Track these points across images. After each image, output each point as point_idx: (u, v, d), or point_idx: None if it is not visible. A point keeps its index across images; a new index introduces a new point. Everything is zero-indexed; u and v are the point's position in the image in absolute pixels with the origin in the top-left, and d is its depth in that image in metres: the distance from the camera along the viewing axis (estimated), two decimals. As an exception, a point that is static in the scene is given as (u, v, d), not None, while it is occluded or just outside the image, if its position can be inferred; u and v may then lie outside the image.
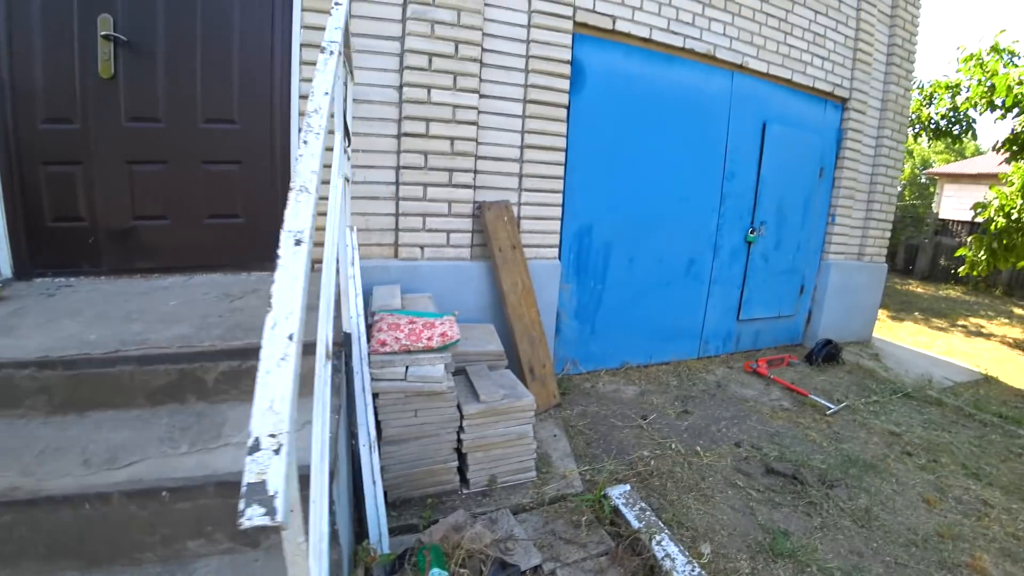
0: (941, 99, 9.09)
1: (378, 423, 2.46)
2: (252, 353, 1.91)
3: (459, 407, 2.58)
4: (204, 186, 2.97)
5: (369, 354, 2.44)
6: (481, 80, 3.34)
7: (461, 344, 2.89)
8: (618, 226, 3.97)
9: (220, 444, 1.81)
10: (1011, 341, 7.10)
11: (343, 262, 2.17)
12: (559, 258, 3.85)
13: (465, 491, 2.70)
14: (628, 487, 2.69)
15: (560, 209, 3.69)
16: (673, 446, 3.18)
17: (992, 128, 65.95)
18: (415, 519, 2.53)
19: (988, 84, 7.11)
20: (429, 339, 2.47)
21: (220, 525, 1.64)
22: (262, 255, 2.90)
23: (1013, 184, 6.65)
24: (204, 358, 2.01)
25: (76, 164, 2.78)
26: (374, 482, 2.21)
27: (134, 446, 1.76)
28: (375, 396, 2.40)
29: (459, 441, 2.63)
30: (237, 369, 2.04)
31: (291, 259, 1.03)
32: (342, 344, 2.20)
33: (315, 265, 1.78)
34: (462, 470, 2.71)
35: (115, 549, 1.57)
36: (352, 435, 2.25)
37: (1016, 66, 7.10)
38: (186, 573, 1.59)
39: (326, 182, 1.64)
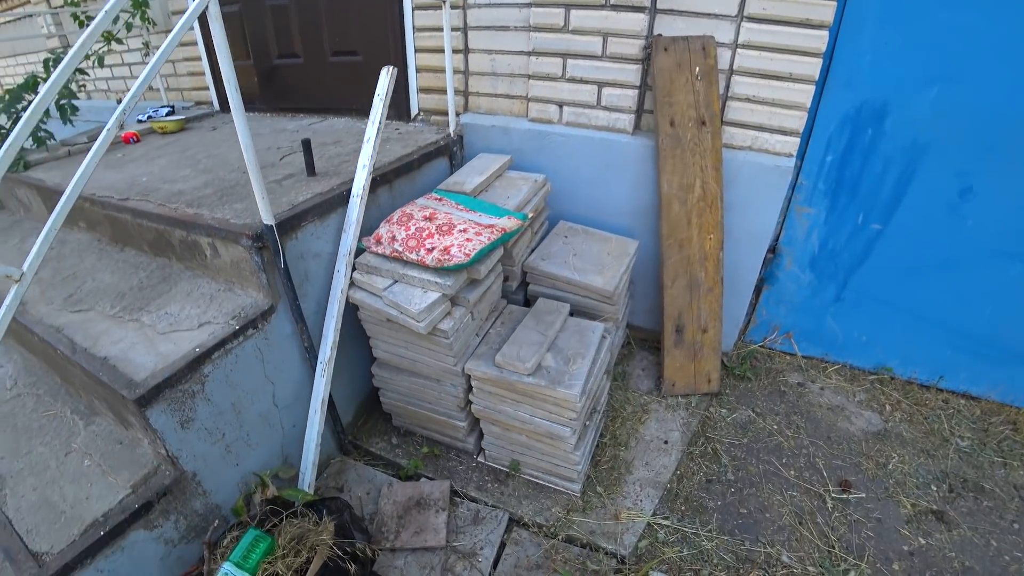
0: None
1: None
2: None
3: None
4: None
5: (364, 251, 1.81)
6: None
7: (551, 264, 1.95)
8: (947, 120, 1.86)
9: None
10: None
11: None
12: (798, 157, 2.13)
13: (480, 459, 2.01)
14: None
15: (819, 63, 1.89)
16: None
17: None
18: (404, 459, 2.04)
19: None
20: (442, 250, 1.64)
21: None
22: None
23: None
24: (174, 223, 1.75)
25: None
26: (316, 409, 1.75)
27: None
28: (357, 308, 1.82)
29: (468, 401, 1.88)
30: (194, 243, 1.74)
31: None
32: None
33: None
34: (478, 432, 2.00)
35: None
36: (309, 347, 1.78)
37: None
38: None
39: None
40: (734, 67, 2.00)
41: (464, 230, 1.72)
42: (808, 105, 1.97)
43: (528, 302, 2.21)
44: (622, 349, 2.53)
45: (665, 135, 2.08)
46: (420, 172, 2.22)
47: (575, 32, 2.10)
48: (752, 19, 1.91)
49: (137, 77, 3.52)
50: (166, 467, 1.48)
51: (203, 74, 3.03)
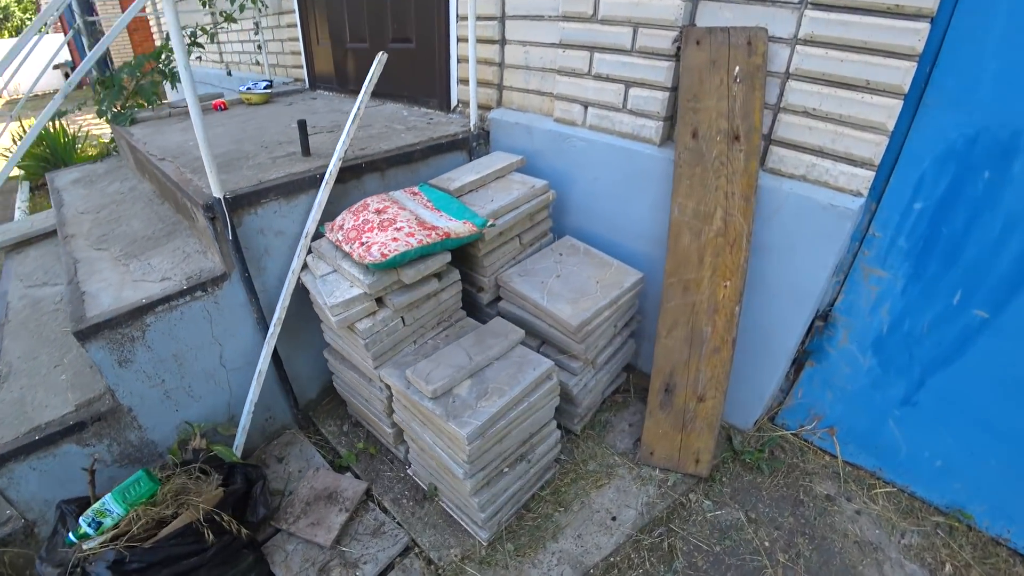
0: None
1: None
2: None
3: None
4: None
5: (323, 235, 1.82)
6: None
7: (524, 283, 1.78)
8: None
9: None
10: None
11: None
12: (872, 198, 1.55)
13: (409, 472, 1.92)
14: None
15: (912, 69, 1.33)
16: None
17: None
18: (344, 448, 2.05)
19: None
20: (366, 247, 1.58)
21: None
22: (429, 92, 2.63)
23: None
24: (175, 186, 1.95)
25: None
26: (255, 380, 1.84)
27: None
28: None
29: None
30: (185, 206, 1.93)
31: None
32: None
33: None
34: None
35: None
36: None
37: None
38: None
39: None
40: (791, 69, 1.52)
41: (399, 228, 1.62)
42: (892, 127, 1.42)
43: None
44: (615, 396, 2.18)
45: (684, 148, 1.68)
46: (425, 163, 2.15)
47: (604, 21, 1.81)
48: (819, 5, 1.42)
49: (246, 52, 3.96)
50: (108, 397, 1.69)
51: (300, 54, 3.35)
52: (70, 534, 1.43)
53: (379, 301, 1.68)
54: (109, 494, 1.49)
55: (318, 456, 2.02)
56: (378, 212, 1.71)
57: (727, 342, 1.72)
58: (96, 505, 1.47)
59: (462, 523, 1.75)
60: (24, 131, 4.23)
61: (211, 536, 1.49)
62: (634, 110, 1.85)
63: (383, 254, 1.54)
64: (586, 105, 1.98)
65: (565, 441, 2.01)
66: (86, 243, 1.99)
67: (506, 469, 1.67)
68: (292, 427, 2.15)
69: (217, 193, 1.63)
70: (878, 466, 1.79)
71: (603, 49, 1.85)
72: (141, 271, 1.79)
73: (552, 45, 2.02)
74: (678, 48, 1.66)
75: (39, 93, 10.61)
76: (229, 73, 4.24)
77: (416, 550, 1.71)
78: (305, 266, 1.81)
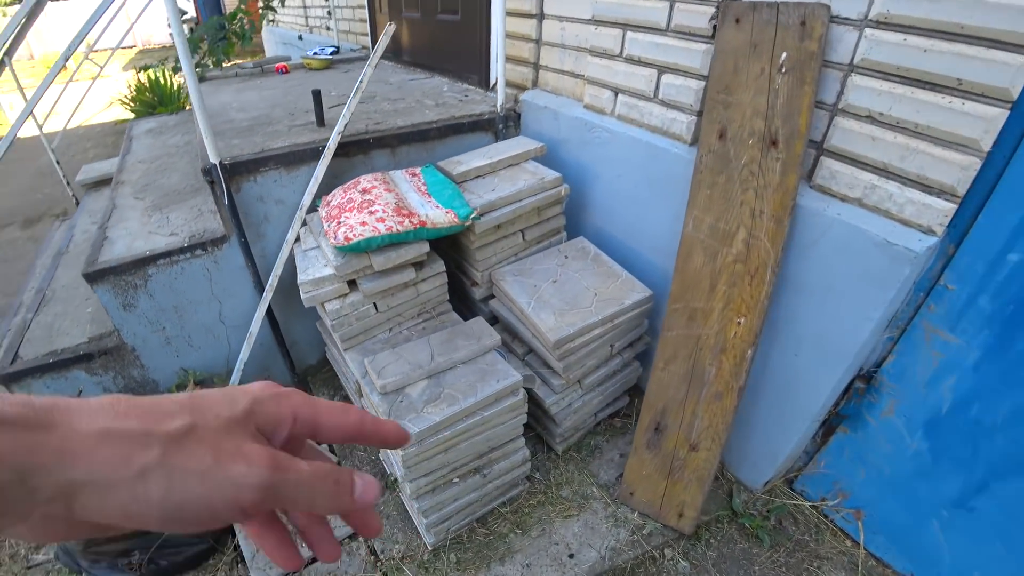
0: None
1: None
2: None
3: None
4: None
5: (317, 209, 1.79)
6: None
7: (515, 284, 1.66)
8: None
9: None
10: None
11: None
12: (950, 239, 1.17)
13: (380, 455, 1.89)
14: None
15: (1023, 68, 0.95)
16: None
17: None
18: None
19: None
20: (336, 227, 1.53)
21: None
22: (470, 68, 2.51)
23: None
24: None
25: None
26: (246, 340, 1.88)
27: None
28: (297, 258, 1.84)
29: (360, 390, 1.75)
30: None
31: None
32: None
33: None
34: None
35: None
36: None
37: None
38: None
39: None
40: (856, 59, 1.18)
41: (373, 212, 1.52)
42: (989, 146, 1.05)
43: (496, 319, 1.87)
44: (612, 419, 1.96)
45: (708, 150, 1.40)
46: (443, 143, 2.03)
47: (636, -8, 1.54)
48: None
49: (319, 17, 4.01)
50: (116, 336, 1.82)
51: (366, 21, 3.32)
52: None
53: (352, 284, 1.62)
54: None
55: (304, 424, 2.05)
56: (364, 192, 1.63)
57: (732, 389, 1.43)
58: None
59: (414, 521, 1.67)
60: (142, 80, 4.76)
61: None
62: (665, 100, 1.58)
63: (347, 238, 1.46)
64: (616, 91, 1.73)
65: (544, 459, 1.85)
66: (130, 191, 2.15)
67: (456, 480, 1.55)
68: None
69: (213, 159, 1.64)
70: (910, 570, 1.42)
71: (636, 27, 1.58)
72: (157, 223, 1.89)
73: (588, 22, 1.78)
74: (715, 28, 1.36)
75: (166, 44, 11.87)
76: (300, 37, 4.40)
77: (364, 537, 1.67)
78: (299, 238, 1.80)
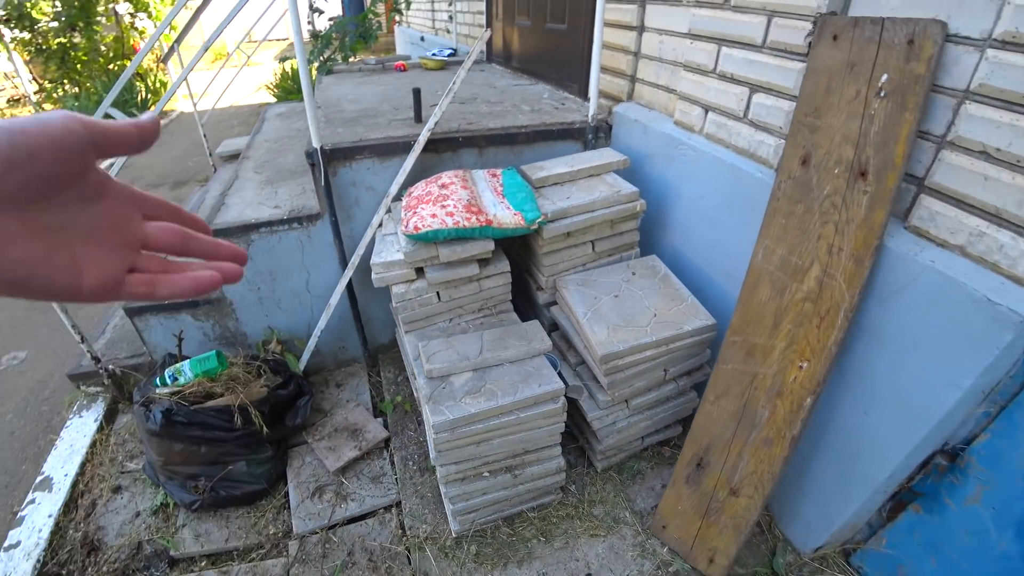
0: None
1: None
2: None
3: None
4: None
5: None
6: None
7: (576, 293, 1.68)
8: None
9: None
10: None
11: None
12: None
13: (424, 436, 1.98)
14: None
15: None
16: None
17: None
18: (389, 395, 2.18)
19: None
20: (410, 216, 1.63)
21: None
22: (572, 76, 2.53)
23: None
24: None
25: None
26: (323, 312, 2.05)
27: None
28: (379, 241, 1.97)
29: (413, 372, 1.83)
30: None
31: None
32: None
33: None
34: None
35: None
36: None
37: None
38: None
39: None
40: (973, 85, 1.05)
41: (445, 206, 1.60)
42: None
43: (556, 326, 1.87)
44: (661, 447, 1.88)
45: (788, 176, 1.31)
46: (531, 147, 2.07)
47: (736, 8, 1.48)
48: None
49: (433, 17, 4.24)
50: (220, 289, 2.07)
51: (483, 27, 3.45)
52: (156, 379, 1.81)
53: (420, 272, 1.71)
54: (189, 360, 1.84)
55: (367, 394, 2.19)
56: (442, 187, 1.72)
57: (784, 437, 1.32)
58: (178, 365, 1.82)
59: (445, 507, 1.73)
60: (288, 70, 5.37)
61: (240, 421, 1.74)
62: (755, 121, 1.49)
63: (416, 227, 1.55)
64: (707, 109, 1.66)
65: (583, 473, 1.82)
66: (252, 165, 2.43)
67: (487, 474, 1.58)
68: (360, 362, 2.36)
69: (316, 144, 1.81)
70: None
71: (731, 42, 1.51)
72: (266, 196, 2.13)
73: (684, 35, 1.73)
74: (810, 44, 1.27)
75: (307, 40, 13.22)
76: (422, 39, 4.67)
77: (398, 510, 1.76)
78: (382, 223, 1.93)
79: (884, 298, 1.20)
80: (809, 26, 1.29)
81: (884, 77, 1.13)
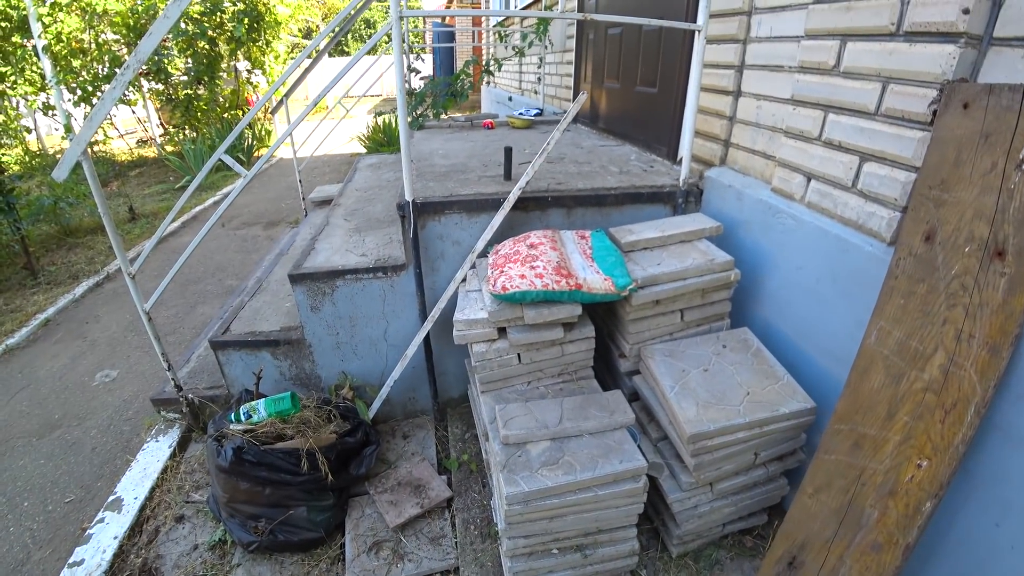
0: None
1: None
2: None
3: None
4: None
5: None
6: None
7: (662, 364, 1.62)
8: None
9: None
10: None
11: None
12: None
13: (490, 502, 1.92)
14: None
15: None
16: None
17: None
18: (455, 453, 2.14)
19: None
20: (498, 275, 1.64)
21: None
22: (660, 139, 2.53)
23: None
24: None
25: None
26: (399, 363, 2.06)
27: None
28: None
29: (485, 431, 1.79)
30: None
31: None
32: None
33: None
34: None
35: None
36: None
37: None
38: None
39: None
40: None
41: (535, 267, 1.59)
42: None
43: (637, 396, 1.78)
44: (744, 536, 1.71)
45: (909, 252, 1.20)
46: (619, 210, 2.06)
47: (846, 74, 1.42)
48: None
49: (520, 79, 4.45)
50: (300, 330, 2.13)
51: (570, 88, 3.53)
52: (231, 414, 1.87)
53: (502, 332, 1.69)
54: (264, 399, 1.89)
55: (432, 448, 2.16)
56: (531, 246, 1.72)
57: (897, 544, 1.16)
58: (253, 403, 1.87)
59: (510, 582, 1.64)
60: (380, 124, 5.81)
61: (306, 466, 1.74)
62: (865, 192, 1.40)
63: (504, 287, 1.55)
64: (809, 177, 1.59)
65: (655, 557, 1.68)
66: (342, 212, 2.56)
67: (555, 551, 1.49)
68: (428, 414, 2.35)
69: (408, 197, 1.88)
70: None
71: (840, 109, 1.45)
72: (354, 243, 2.22)
73: (786, 101, 1.68)
74: (935, 113, 1.18)
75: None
76: (510, 99, 4.87)
77: (455, 577, 1.68)
78: (465, 279, 1.95)
79: (1023, 394, 1.05)
80: (933, 93, 1.21)
81: (1028, 154, 1.03)
